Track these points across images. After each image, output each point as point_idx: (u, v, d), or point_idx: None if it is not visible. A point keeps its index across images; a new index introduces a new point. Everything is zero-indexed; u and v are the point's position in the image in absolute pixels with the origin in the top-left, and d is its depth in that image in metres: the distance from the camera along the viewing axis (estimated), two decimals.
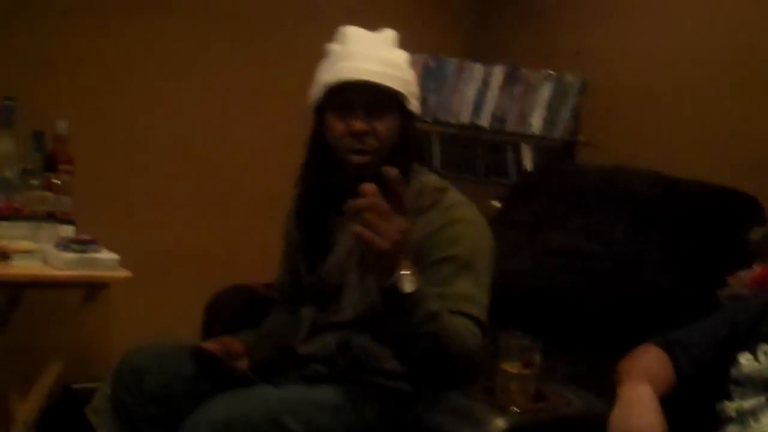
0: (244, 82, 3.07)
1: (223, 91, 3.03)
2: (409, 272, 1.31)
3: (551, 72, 2.94)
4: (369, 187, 1.26)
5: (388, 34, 1.58)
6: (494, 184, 2.94)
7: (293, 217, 1.69)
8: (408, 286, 1.30)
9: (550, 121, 2.94)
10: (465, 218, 1.52)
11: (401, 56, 1.57)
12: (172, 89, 2.93)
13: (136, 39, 2.85)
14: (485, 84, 2.97)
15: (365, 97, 1.50)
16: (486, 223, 1.56)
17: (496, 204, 2.56)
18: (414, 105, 1.58)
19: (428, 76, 2.96)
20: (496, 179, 2.97)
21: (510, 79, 2.96)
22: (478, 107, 2.98)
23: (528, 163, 2.93)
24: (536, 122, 2.94)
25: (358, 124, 1.49)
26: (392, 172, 1.28)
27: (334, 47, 1.57)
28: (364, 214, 1.25)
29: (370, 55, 1.51)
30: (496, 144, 3.03)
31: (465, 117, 2.98)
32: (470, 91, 2.97)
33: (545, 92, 2.93)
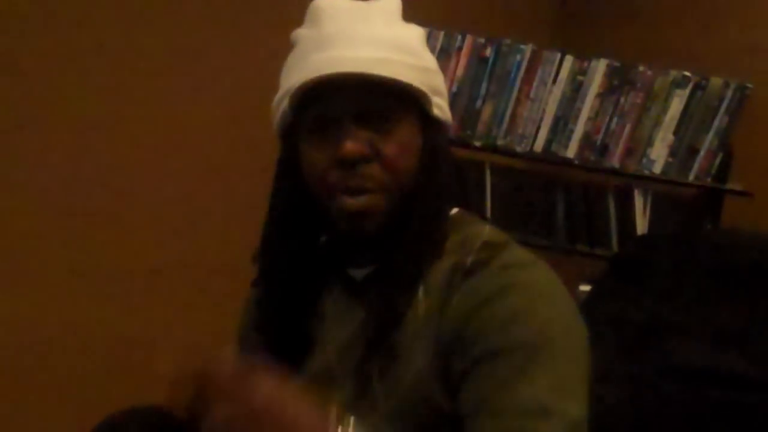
0: (157, 103, 3.24)
1: (126, 108, 3.20)
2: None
3: (687, 73, 2.94)
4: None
5: (388, 3, 1.61)
6: (583, 256, 2.95)
7: (253, 309, 1.72)
8: None
9: (682, 154, 2.94)
10: (530, 283, 1.52)
11: (413, 34, 1.61)
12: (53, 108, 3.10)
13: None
14: (576, 89, 2.97)
15: (358, 103, 1.52)
16: (569, 296, 1.55)
17: (585, 289, 2.58)
18: (441, 109, 1.60)
19: (480, 73, 2.99)
20: (587, 247, 2.97)
21: (618, 83, 2.95)
22: (561, 127, 2.98)
23: (642, 221, 2.92)
24: (659, 155, 2.94)
25: (350, 145, 1.50)
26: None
27: (302, 33, 1.60)
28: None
29: (360, 35, 1.54)
30: (588, 189, 3.01)
31: (539, 142, 2.98)
32: (550, 100, 2.97)
33: (676, 106, 2.93)
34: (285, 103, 1.57)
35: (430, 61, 1.61)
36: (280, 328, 1.66)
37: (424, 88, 1.55)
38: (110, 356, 3.10)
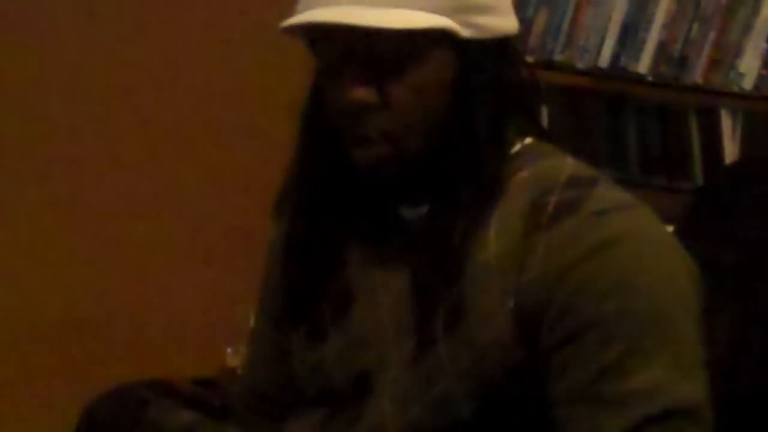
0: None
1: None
2: None
3: None
4: None
5: None
6: (660, 191, 2.90)
7: (279, 253, 1.73)
8: None
9: None
10: (636, 233, 1.48)
11: None
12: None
13: None
14: None
15: (358, 47, 1.49)
16: (679, 244, 1.52)
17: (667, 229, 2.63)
18: (480, 28, 1.52)
19: None
20: (665, 181, 2.93)
21: None
22: (630, 36, 2.85)
23: (731, 147, 2.82)
24: (750, 67, 2.76)
25: (350, 94, 1.49)
26: None
27: None
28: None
29: None
30: (665, 110, 2.94)
31: (604, 56, 2.87)
32: (616, 4, 2.86)
33: None
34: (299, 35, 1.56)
35: None
36: (310, 274, 1.66)
37: (435, 21, 1.45)
38: (96, 323, 3.17)
